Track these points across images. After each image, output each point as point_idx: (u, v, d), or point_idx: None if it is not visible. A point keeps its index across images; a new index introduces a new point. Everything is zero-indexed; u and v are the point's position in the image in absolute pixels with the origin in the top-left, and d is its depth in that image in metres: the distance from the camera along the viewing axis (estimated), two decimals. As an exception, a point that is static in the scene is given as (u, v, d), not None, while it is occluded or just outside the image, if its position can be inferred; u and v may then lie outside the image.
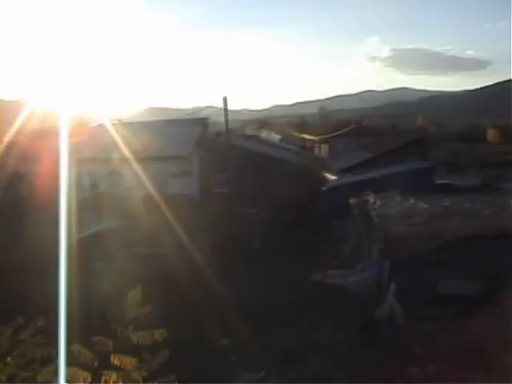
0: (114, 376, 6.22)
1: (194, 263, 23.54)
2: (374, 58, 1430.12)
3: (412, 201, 24.02)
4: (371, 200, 24.96)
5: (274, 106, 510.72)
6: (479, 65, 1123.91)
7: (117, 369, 6.27)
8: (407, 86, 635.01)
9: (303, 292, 22.14)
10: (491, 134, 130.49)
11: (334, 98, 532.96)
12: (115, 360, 6.24)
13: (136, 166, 32.90)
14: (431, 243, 18.63)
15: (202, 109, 45.26)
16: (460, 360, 15.58)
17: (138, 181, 32.70)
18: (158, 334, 6.49)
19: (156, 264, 22.71)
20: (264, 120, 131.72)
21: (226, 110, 37.18)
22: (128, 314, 6.35)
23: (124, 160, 33.85)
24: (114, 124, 40.42)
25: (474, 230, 19.28)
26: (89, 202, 26.27)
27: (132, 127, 39.51)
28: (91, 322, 10.34)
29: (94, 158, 37.32)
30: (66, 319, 6.72)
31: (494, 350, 16.35)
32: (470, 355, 15.99)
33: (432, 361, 15.91)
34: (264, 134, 75.87)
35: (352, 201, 27.29)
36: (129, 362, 6.28)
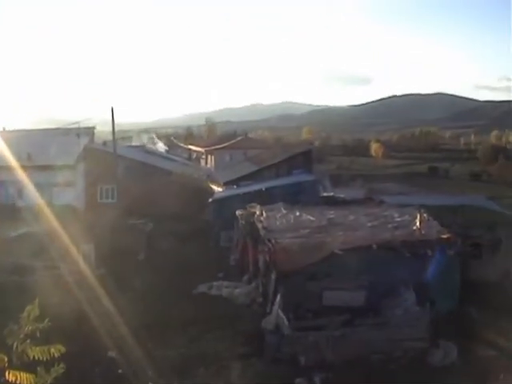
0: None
1: (79, 275, 23.05)
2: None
3: (297, 213, 24.34)
4: (257, 212, 25.20)
5: (162, 118, 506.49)
6: (363, 81, 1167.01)
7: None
8: (294, 100, 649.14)
9: (189, 304, 22.09)
10: (374, 148, 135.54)
11: (220, 110, 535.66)
12: (10, 376, 6.11)
13: (20, 175, 31.85)
14: (316, 255, 18.99)
15: (88, 118, 44.33)
16: (345, 369, 16.19)
17: (21, 190, 31.70)
18: (55, 350, 6.41)
19: (40, 276, 22.06)
20: (151, 131, 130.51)
21: (113, 120, 36.73)
22: (24, 328, 6.26)
23: (7, 168, 32.63)
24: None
25: (358, 241, 19.89)
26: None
27: (16, 136, 38.17)
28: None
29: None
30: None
31: (376, 358, 17.12)
32: (354, 364, 16.65)
33: (318, 370, 16.40)
34: (151, 145, 75.22)
35: (238, 213, 27.49)
36: (25, 377, 6.16)
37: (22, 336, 6.33)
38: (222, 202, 34.58)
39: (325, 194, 38.70)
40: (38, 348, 6.33)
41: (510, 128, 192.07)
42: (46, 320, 6.53)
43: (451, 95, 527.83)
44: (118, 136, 46.99)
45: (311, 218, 23.44)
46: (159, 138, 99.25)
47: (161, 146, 79.35)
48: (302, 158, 47.06)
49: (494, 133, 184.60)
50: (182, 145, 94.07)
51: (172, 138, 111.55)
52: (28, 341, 6.36)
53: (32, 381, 6.20)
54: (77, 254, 24.51)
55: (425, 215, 21.71)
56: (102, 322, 18.58)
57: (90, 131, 44.36)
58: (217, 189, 43.31)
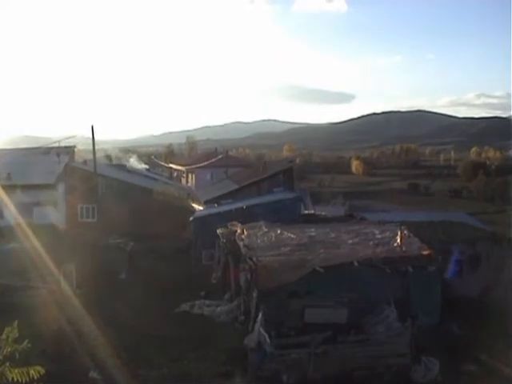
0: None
1: (60, 295, 22.89)
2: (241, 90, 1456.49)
3: (278, 231, 24.35)
4: (238, 230, 25.21)
5: (143, 136, 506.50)
6: (344, 98, 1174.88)
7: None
8: (274, 117, 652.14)
9: (170, 323, 21.99)
10: (355, 166, 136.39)
11: (201, 128, 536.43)
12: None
13: (0, 195, 31.71)
14: (297, 272, 19.01)
15: (68, 137, 44.13)
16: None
17: (2, 210, 31.58)
18: (34, 371, 6.34)
19: (20, 296, 21.88)
20: (131, 149, 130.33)
21: (93, 138, 36.64)
22: (3, 350, 6.20)
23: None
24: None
25: (339, 259, 19.93)
26: None
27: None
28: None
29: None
30: None
31: (358, 375, 17.11)
32: (337, 381, 16.64)
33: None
34: (131, 164, 75.05)
35: (219, 231, 27.48)
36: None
37: (0, 358, 6.27)
38: (203, 220, 34.53)
39: (306, 212, 38.85)
40: (16, 370, 6.26)
41: (489, 144, 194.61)
42: (26, 341, 6.47)
43: (430, 112, 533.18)
44: (99, 154, 46.78)
45: (292, 236, 23.48)
46: (140, 156, 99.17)
47: (141, 165, 79.23)
48: (283, 175, 47.10)
49: (474, 149, 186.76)
50: (162, 163, 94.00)
51: (152, 156, 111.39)
52: (7, 363, 6.29)
53: None
54: (58, 273, 24.33)
55: (405, 232, 21.85)
56: (82, 342, 18.45)
57: (70, 150, 44.23)
58: (198, 207, 43.26)
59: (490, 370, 17.43)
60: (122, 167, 61.37)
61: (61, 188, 38.70)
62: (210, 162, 69.62)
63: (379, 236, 23.20)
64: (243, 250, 21.99)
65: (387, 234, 23.22)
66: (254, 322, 18.87)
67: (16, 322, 6.56)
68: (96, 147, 39.16)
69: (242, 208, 34.07)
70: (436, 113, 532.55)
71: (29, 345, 6.42)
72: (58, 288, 23.60)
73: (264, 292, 19.04)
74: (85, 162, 45.74)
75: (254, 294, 19.75)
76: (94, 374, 16.70)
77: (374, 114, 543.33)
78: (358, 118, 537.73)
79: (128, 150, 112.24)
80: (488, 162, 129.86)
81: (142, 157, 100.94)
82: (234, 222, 27.16)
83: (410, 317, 18.48)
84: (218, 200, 42.30)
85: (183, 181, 75.07)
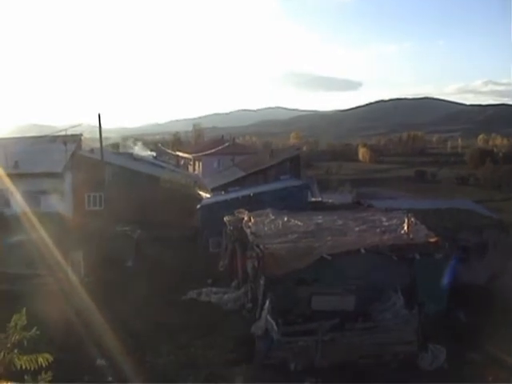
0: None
1: (68, 283, 22.98)
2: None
3: (285, 218, 24.39)
4: (245, 218, 25.24)
5: (148, 124, 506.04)
6: (351, 86, 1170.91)
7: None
8: (280, 105, 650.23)
9: (178, 310, 22.06)
10: (362, 153, 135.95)
11: (207, 116, 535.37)
12: (-3, 386, 6.05)
13: (7, 183, 31.76)
14: (304, 260, 19.06)
15: (75, 126, 44.03)
16: (333, 374, 16.19)
17: (9, 199, 31.66)
18: (43, 359, 6.36)
19: (29, 284, 21.99)
20: (138, 137, 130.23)
21: (100, 126, 36.57)
22: (12, 337, 6.22)
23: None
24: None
25: (346, 246, 19.95)
26: None
27: (2, 144, 37.92)
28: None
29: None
30: None
31: (365, 362, 17.15)
32: (344, 369, 16.68)
33: (308, 375, 16.41)
34: (138, 152, 75.03)
35: (226, 219, 27.52)
36: (12, 386, 6.11)
37: (8, 345, 6.29)
38: (210, 208, 34.58)
39: (313, 199, 38.81)
40: (25, 357, 6.29)
41: (496, 132, 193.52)
42: (34, 329, 6.49)
43: (438, 99, 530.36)
44: (106, 143, 46.79)
45: (299, 223, 23.50)
46: (146, 144, 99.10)
47: (148, 153, 79.15)
48: (290, 163, 46.97)
49: (481, 136, 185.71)
50: (169, 151, 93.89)
51: (159, 144, 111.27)
52: (15, 350, 6.31)
53: None
54: (66, 261, 24.40)
55: (412, 219, 21.82)
56: (90, 330, 18.52)
57: (76, 138, 44.17)
58: (205, 195, 43.26)
59: (494, 359, 17.41)
60: (129, 155, 61.36)
61: (68, 176, 38.68)
62: (216, 149, 69.41)
63: (386, 223, 23.21)
64: (250, 238, 22.03)
65: (394, 221, 23.22)
66: (262, 309, 18.93)
67: (24, 309, 6.58)
68: (103, 135, 39.07)
69: (249, 195, 34.09)
70: (443, 100, 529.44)
71: (37, 332, 6.45)
72: (66, 277, 23.68)
73: (271, 279, 19.09)
74: (92, 150, 45.72)
75: (261, 282, 19.80)
76: (101, 362, 16.79)
77: (382, 101, 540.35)
78: (365, 105, 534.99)
79: (133, 138, 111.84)
80: (495, 150, 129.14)
81: (148, 145, 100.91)
82: (240, 210, 27.20)
83: (417, 304, 18.51)
84: (224, 188, 42.31)
85: (190, 168, 74.96)
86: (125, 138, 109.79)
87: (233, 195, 36.36)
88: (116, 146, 68.98)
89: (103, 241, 27.96)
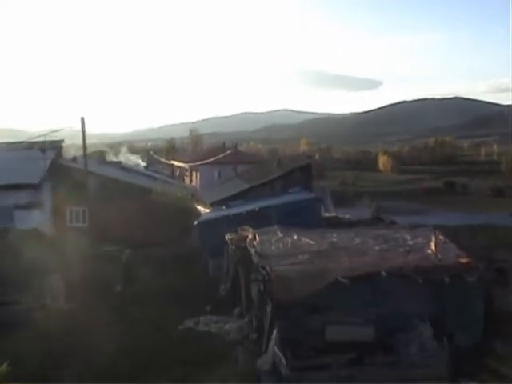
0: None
1: (45, 311, 22.97)
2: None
3: (295, 236, 24.34)
4: (250, 236, 25.21)
5: (139, 130, 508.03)
6: (370, 85, 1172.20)
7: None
8: (288, 107, 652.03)
9: (173, 342, 22.03)
10: (383, 161, 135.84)
11: (206, 120, 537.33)
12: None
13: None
14: (317, 284, 18.97)
15: (55, 131, 44.19)
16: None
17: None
18: None
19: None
20: (128, 144, 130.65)
21: (83, 132, 36.64)
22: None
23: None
24: None
25: (365, 268, 19.86)
26: None
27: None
28: None
29: None
30: None
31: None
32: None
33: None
34: (127, 160, 75.26)
35: (228, 237, 27.51)
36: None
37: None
38: (210, 224, 34.59)
39: (326, 215, 38.81)
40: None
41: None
42: (5, 364, 6.50)
43: (470, 99, 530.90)
44: (91, 150, 46.90)
45: (311, 242, 23.47)
46: (137, 151, 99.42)
47: (139, 162, 79.46)
48: (300, 173, 47.09)
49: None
50: (163, 160, 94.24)
51: (151, 151, 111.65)
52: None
53: None
54: (44, 286, 24.42)
55: (441, 237, 21.76)
56: (73, 365, 18.48)
57: (57, 145, 44.32)
58: (203, 210, 43.32)
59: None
60: (117, 164, 61.56)
61: (46, 189, 38.82)
62: (216, 158, 69.73)
63: (411, 242, 23.15)
64: (255, 259, 21.98)
65: (420, 239, 23.16)
66: (268, 340, 18.87)
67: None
68: (87, 142, 39.19)
69: (254, 210, 34.10)
70: (476, 100, 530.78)
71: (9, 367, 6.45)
72: (43, 304, 23.69)
73: (279, 306, 19.02)
74: (74, 158, 45.89)
75: (268, 309, 19.73)
76: None
77: (405, 101, 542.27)
78: (386, 106, 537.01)
79: (122, 145, 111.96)
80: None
81: (139, 152, 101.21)
82: (244, 227, 27.19)
83: (447, 335, 18.41)
84: (226, 201, 42.34)
85: (187, 180, 75.30)
86: (113, 145, 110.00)
87: (235, 210, 36.37)
88: (102, 153, 68.76)
89: (87, 262, 27.98)
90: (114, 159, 71.47)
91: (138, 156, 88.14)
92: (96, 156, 57.71)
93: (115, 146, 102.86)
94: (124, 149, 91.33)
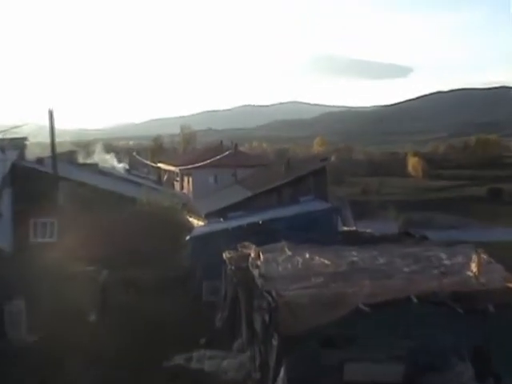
0: None
1: (1, 343, 22.98)
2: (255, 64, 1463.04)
3: (307, 255, 24.39)
4: (252, 254, 25.24)
5: (118, 125, 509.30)
6: (397, 72, 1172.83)
7: None
8: (299, 99, 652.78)
9: (160, 382, 22.03)
10: (413, 164, 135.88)
11: (200, 114, 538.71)
12: None
13: None
14: (333, 312, 18.95)
15: (17, 126, 44.24)
16: None
17: None
18: None
19: None
20: (105, 142, 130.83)
21: (52, 127, 36.66)
22: None
23: None
24: None
25: (391, 293, 19.81)
26: None
27: None
28: None
29: None
30: None
31: None
32: None
33: None
34: (106, 162, 75.42)
35: (226, 255, 27.51)
36: None
37: None
38: (204, 240, 34.66)
39: (345, 229, 38.83)
40: None
41: None
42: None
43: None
44: (60, 149, 47.00)
45: (326, 262, 23.46)
46: (117, 152, 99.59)
47: (120, 164, 79.68)
48: (313, 178, 47.23)
49: None
50: (148, 162, 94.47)
51: (134, 152, 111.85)
52: None
53: None
54: (2, 313, 24.43)
55: (484, 256, 21.71)
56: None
57: (19, 144, 44.41)
58: (197, 222, 43.40)
59: None
60: (93, 167, 61.66)
61: (6, 196, 38.89)
62: (212, 160, 69.83)
63: (447, 262, 23.15)
64: (259, 282, 21.98)
65: (458, 259, 23.16)
66: (275, 380, 18.86)
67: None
68: (57, 140, 39.27)
69: (257, 223, 34.14)
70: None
71: None
72: (1, 334, 23.71)
73: (287, 339, 18.99)
74: (40, 160, 45.94)
75: (274, 342, 19.71)
76: None
77: (440, 92, 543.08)
78: (417, 98, 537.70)
79: (98, 143, 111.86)
80: None
81: (119, 153, 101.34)
82: (245, 243, 27.20)
83: (492, 375, 18.36)
84: (224, 212, 42.44)
85: (177, 186, 75.39)
86: (87, 144, 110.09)
87: (235, 223, 36.43)
88: (73, 154, 68.83)
89: (56, 285, 27.97)
90: (88, 161, 71.61)
91: (114, 156, 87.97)
92: (65, 157, 57.73)
93: (88, 145, 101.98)
94: (98, 148, 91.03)
